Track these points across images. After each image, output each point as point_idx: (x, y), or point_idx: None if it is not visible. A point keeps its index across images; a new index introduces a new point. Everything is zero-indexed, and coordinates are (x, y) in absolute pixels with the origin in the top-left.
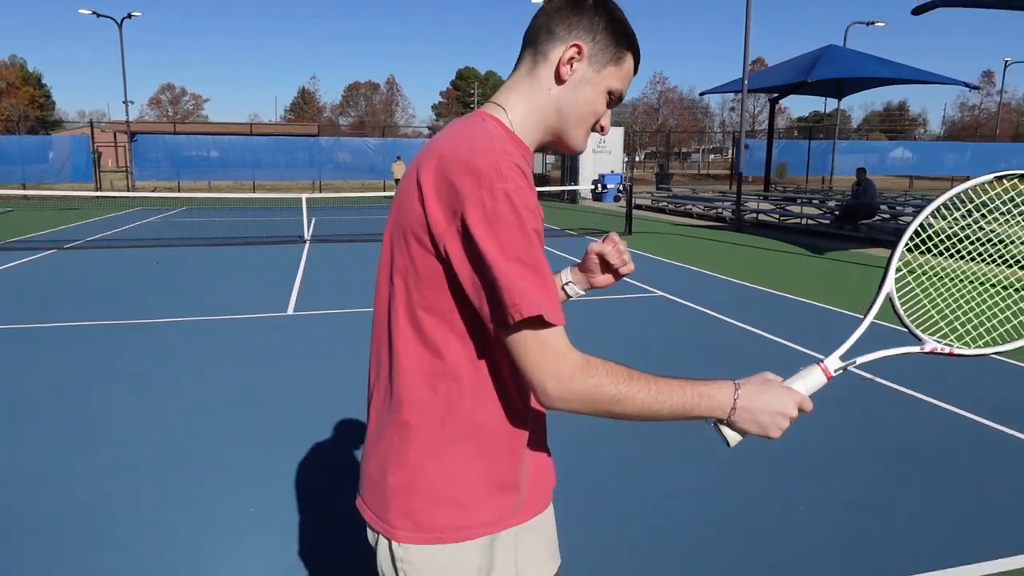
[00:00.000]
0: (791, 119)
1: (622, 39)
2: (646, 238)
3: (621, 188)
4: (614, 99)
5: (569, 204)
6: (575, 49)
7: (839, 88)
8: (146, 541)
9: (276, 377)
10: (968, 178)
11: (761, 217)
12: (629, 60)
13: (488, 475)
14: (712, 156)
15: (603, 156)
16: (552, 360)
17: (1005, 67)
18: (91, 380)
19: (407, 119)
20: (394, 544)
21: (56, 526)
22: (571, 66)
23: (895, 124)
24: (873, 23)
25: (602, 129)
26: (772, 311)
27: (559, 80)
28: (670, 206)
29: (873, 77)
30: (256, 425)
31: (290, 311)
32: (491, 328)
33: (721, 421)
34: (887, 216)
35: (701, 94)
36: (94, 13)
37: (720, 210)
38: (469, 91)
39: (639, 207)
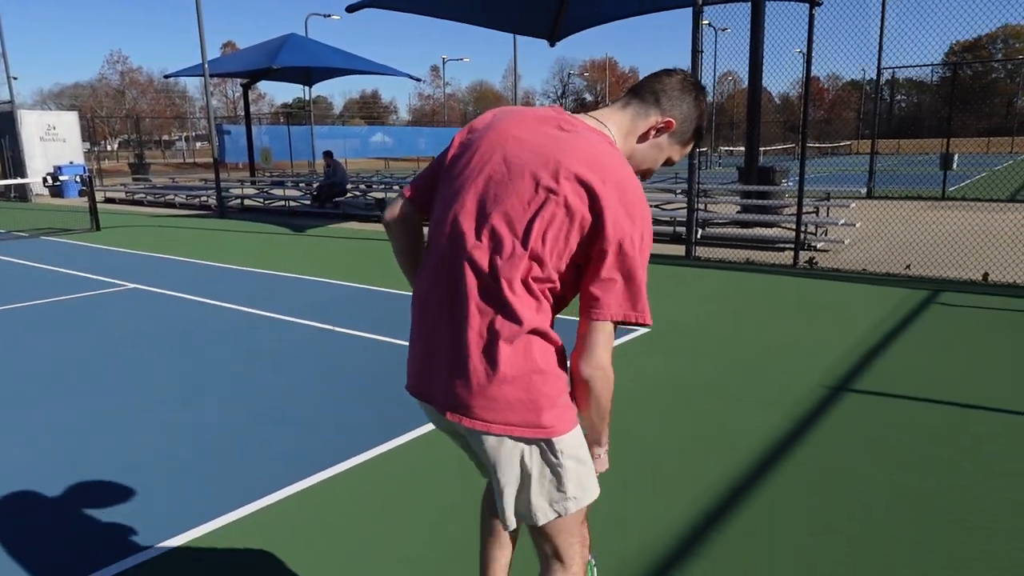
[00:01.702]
0: (274, 105)
1: (698, 131)
2: (119, 232)
3: (82, 180)
4: (665, 163)
5: (19, 202)
6: (668, 123)
7: (308, 76)
8: None
9: None
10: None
11: (247, 202)
12: (691, 145)
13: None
14: (199, 144)
15: (56, 145)
16: (610, 348)
17: (444, 63)
18: None
19: None
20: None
21: None
22: (657, 133)
23: (372, 111)
24: (329, 15)
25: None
26: (250, 287)
27: (643, 138)
28: (149, 197)
29: (335, 67)
30: None
31: None
32: (595, 310)
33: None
34: (359, 194)
35: (166, 76)
36: None
37: (204, 198)
38: None
39: (111, 200)
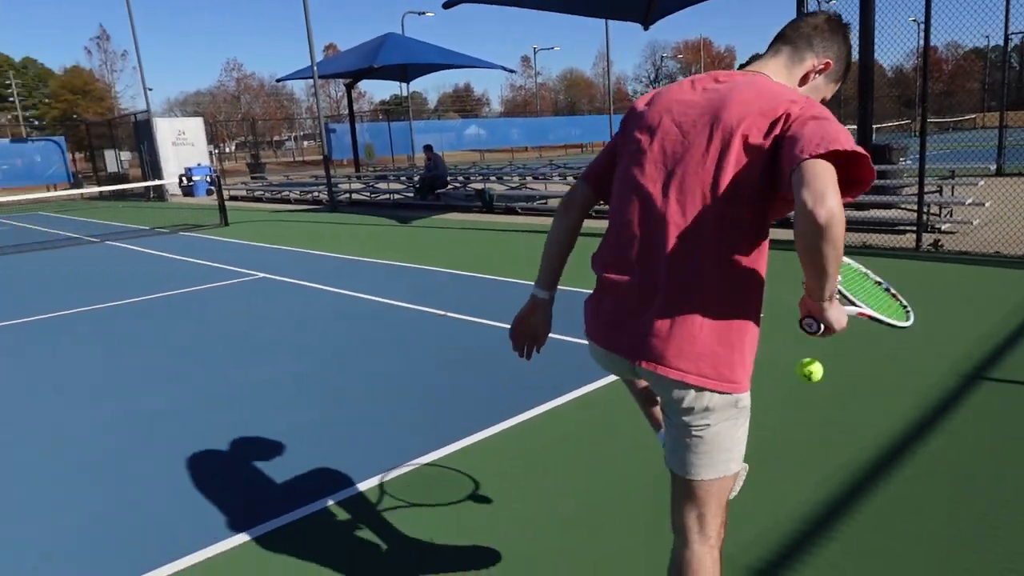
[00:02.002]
0: (373, 103)
1: (847, 67)
2: (244, 227)
3: (210, 180)
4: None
5: (157, 202)
6: (826, 64)
7: (405, 73)
8: None
9: None
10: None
11: (355, 196)
12: (841, 83)
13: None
14: (307, 143)
15: (186, 148)
16: (831, 188)
17: (535, 53)
18: None
19: None
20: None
21: None
22: (816, 75)
23: (465, 104)
24: (424, 13)
25: None
26: (366, 276)
27: (803, 81)
28: (267, 194)
29: (432, 63)
30: None
31: None
32: (797, 156)
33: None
34: (459, 185)
35: (278, 80)
36: None
37: (316, 194)
38: (5, 82)
39: (235, 199)
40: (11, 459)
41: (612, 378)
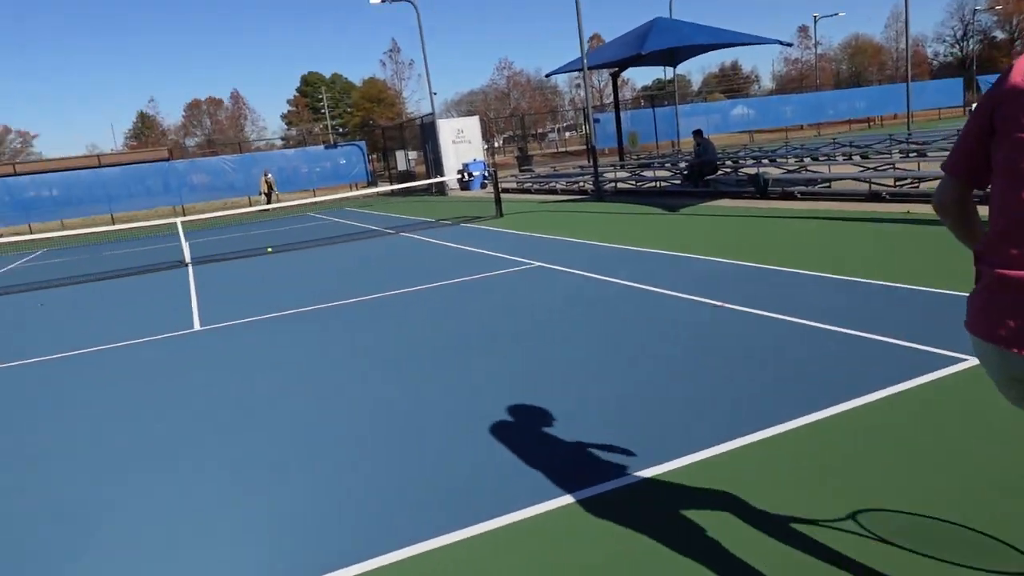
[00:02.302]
0: (636, 89)
1: None
2: (517, 218)
3: (486, 175)
4: None
5: (439, 196)
6: None
7: (672, 57)
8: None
9: (203, 380)
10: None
11: (620, 185)
12: None
13: None
14: (568, 133)
15: (463, 146)
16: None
17: (815, 22)
18: (45, 407)
19: (259, 132)
20: None
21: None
22: None
23: (731, 83)
24: None
25: None
26: (638, 264)
27: None
28: (535, 186)
29: (701, 44)
30: (219, 431)
31: (197, 327)
32: None
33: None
34: (729, 170)
35: (547, 75)
36: None
37: (581, 184)
38: (317, 96)
39: (506, 190)
40: (335, 421)
41: (912, 382)
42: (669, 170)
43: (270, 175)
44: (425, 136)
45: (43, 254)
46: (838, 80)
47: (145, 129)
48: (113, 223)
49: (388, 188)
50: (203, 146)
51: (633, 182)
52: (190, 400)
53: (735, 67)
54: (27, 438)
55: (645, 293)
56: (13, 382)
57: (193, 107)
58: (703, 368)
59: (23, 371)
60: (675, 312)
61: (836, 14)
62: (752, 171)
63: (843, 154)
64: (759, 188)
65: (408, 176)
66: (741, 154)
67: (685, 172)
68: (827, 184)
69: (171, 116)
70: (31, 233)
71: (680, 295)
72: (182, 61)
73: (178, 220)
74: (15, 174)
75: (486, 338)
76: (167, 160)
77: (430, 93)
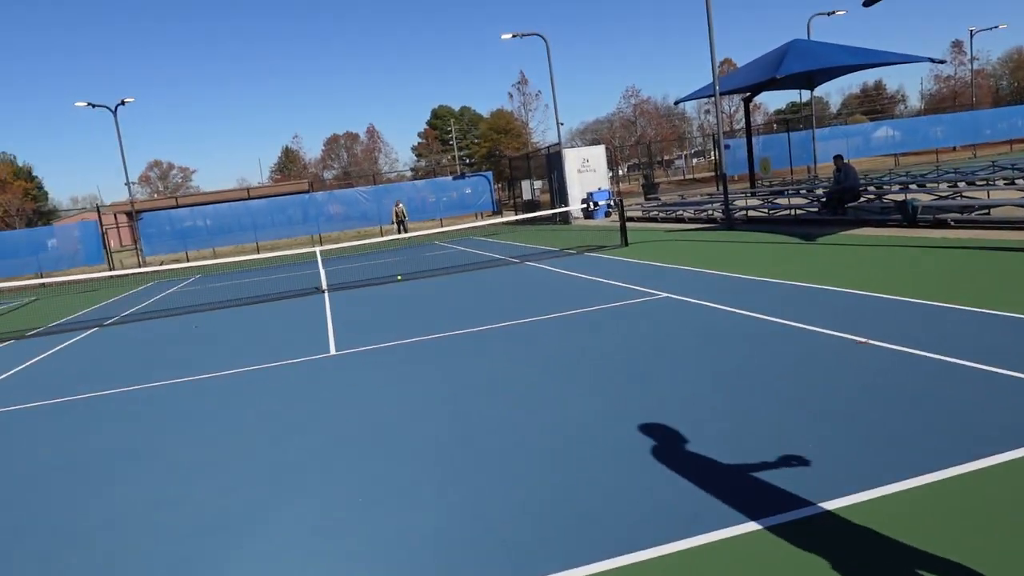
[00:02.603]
0: (768, 114)
1: None
2: (642, 247)
3: (611, 203)
4: None
5: (563, 225)
6: None
7: (810, 80)
8: (260, 550)
9: (338, 407)
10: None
11: (751, 213)
12: None
13: None
14: (696, 160)
15: (588, 175)
16: None
17: (971, 36)
18: (192, 423)
19: (391, 164)
20: None
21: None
22: None
23: (875, 104)
24: (833, 12)
25: None
26: (774, 297)
27: None
28: (661, 214)
29: (841, 66)
30: (346, 447)
31: (332, 351)
32: None
33: None
34: (872, 196)
35: (676, 103)
36: (90, 104)
37: (710, 212)
38: (446, 128)
39: (631, 219)
40: (482, 447)
41: None
42: (805, 197)
43: (401, 205)
44: (550, 166)
45: (198, 280)
46: (997, 97)
47: (289, 163)
48: (258, 251)
49: (513, 217)
50: (340, 178)
51: (765, 210)
52: (326, 421)
53: (879, 87)
54: (181, 452)
55: (781, 327)
56: (170, 398)
57: (332, 141)
58: (848, 408)
59: (178, 388)
60: (814, 348)
61: (996, 27)
62: (900, 197)
63: (1004, 178)
64: (907, 215)
65: (533, 205)
66: (886, 179)
67: (823, 199)
68: (986, 211)
69: (312, 150)
70: (187, 260)
71: (819, 330)
72: (324, 99)
73: (317, 249)
74: (176, 206)
75: (616, 367)
76: (307, 192)
77: (556, 123)
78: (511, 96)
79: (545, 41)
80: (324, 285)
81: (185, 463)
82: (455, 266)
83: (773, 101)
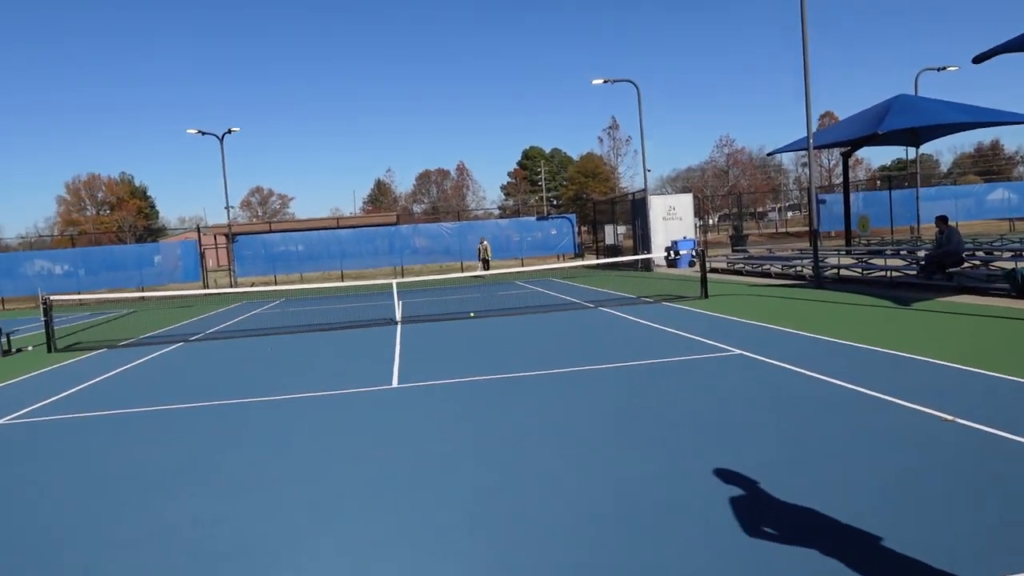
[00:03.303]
0: (871, 169)
1: None
2: (723, 300)
3: (694, 253)
4: None
5: (643, 272)
6: None
7: (916, 136)
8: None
9: (388, 441)
10: None
11: (844, 272)
12: None
13: None
14: (790, 214)
15: (674, 223)
16: None
17: None
18: (245, 444)
19: (478, 202)
20: None
21: (239, 557)
22: None
23: (990, 165)
24: (945, 68)
25: None
26: (856, 363)
27: None
28: (747, 267)
29: (950, 124)
30: (379, 481)
31: (394, 384)
32: None
33: None
34: (978, 262)
35: (769, 154)
36: (199, 132)
37: (799, 268)
38: (536, 169)
39: (715, 270)
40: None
41: None
42: (904, 259)
43: (486, 242)
44: (635, 211)
45: (282, 303)
46: None
47: (380, 195)
48: (342, 279)
49: (594, 261)
50: (428, 212)
51: (860, 270)
52: (373, 455)
53: (995, 147)
54: (230, 471)
55: (860, 396)
56: (230, 417)
57: (423, 177)
58: (929, 494)
59: (239, 408)
60: (896, 423)
61: None
62: (1008, 265)
63: None
64: (1015, 285)
65: (615, 250)
66: (996, 244)
67: (923, 262)
68: None
69: (403, 184)
70: (275, 284)
71: (903, 403)
72: (419, 136)
73: (393, 281)
74: (270, 231)
75: (677, 426)
76: (394, 224)
77: (644, 169)
78: (601, 140)
79: (636, 87)
80: (398, 316)
81: (232, 482)
82: (528, 307)
83: (877, 157)
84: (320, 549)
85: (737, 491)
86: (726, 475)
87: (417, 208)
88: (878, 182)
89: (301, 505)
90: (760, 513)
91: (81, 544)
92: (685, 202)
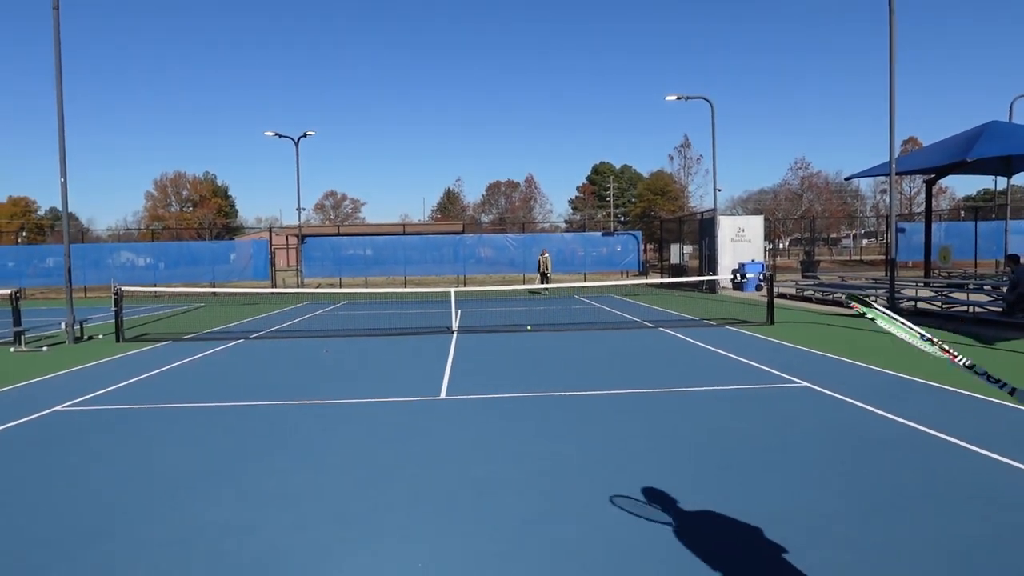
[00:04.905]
0: (955, 199)
1: None
2: (789, 327)
3: (762, 277)
4: None
5: (708, 294)
6: None
7: (1008, 166)
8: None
9: (429, 457)
10: None
11: (921, 305)
12: None
13: None
14: (866, 241)
15: (743, 245)
16: None
17: None
18: (285, 448)
19: (544, 215)
20: None
21: (268, 568)
22: None
23: None
24: None
25: None
26: (931, 404)
27: None
28: (816, 294)
29: None
30: (409, 494)
31: (442, 395)
32: None
33: None
34: None
35: (847, 179)
36: (276, 134)
37: (873, 298)
38: (605, 185)
39: (783, 296)
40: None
41: None
42: (988, 294)
43: (547, 255)
44: (703, 231)
45: (345, 305)
46: None
47: (449, 204)
48: (405, 285)
49: (658, 280)
50: (495, 223)
51: (938, 303)
52: (413, 470)
53: None
54: (266, 478)
55: (933, 440)
56: (276, 420)
57: (493, 187)
58: (1010, 563)
59: (286, 411)
60: (976, 473)
61: None
62: None
63: None
64: None
65: (680, 270)
66: None
67: (1001, 301)
68: None
69: (472, 194)
70: (340, 286)
71: (985, 452)
72: (490, 147)
73: (452, 290)
74: (338, 234)
75: (729, 460)
76: (460, 233)
77: (714, 189)
78: (671, 158)
79: (711, 104)
80: (455, 326)
81: (266, 490)
82: (587, 323)
83: (962, 186)
84: (347, 571)
85: (782, 536)
86: (777, 519)
87: (485, 218)
88: (962, 212)
89: (331, 520)
90: (809, 568)
91: (105, 540)
92: (755, 224)
